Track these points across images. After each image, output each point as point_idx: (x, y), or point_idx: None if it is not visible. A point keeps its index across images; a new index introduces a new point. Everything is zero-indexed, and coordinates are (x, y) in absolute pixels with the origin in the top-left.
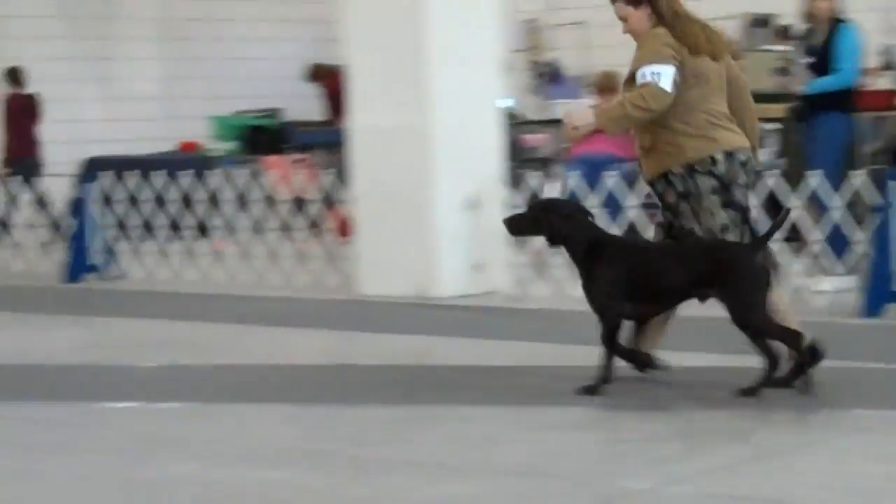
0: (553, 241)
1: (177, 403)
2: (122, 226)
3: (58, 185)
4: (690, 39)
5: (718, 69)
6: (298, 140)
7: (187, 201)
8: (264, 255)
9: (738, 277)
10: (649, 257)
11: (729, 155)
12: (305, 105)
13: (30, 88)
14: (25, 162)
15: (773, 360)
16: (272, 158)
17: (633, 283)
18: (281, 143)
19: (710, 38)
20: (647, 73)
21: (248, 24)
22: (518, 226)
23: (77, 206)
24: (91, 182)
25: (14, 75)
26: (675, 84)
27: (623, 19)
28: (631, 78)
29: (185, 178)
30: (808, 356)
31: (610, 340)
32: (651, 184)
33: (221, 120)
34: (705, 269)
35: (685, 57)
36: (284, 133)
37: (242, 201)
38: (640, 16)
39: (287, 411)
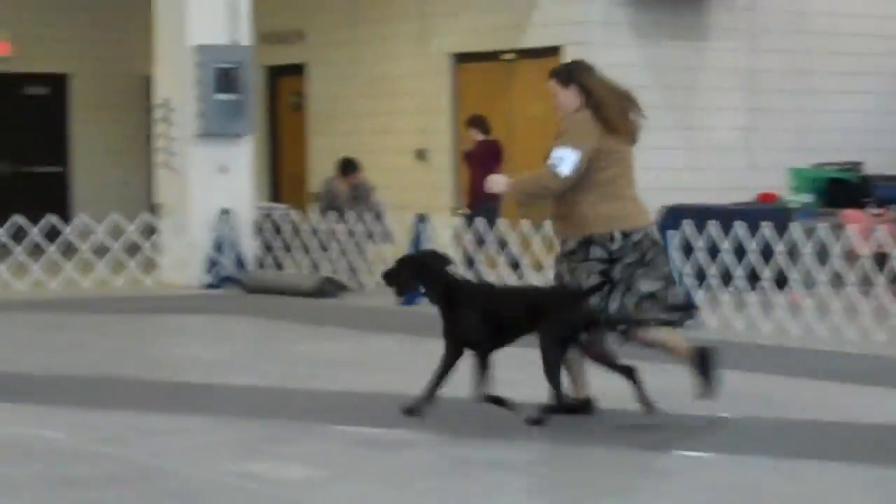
0: (408, 287)
1: (750, 456)
2: (700, 274)
3: None
4: (611, 122)
5: (630, 151)
6: (879, 194)
7: (766, 252)
8: (842, 310)
9: (553, 315)
10: (496, 299)
11: (626, 235)
12: (886, 158)
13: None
14: (486, 206)
15: (559, 392)
16: (852, 212)
17: (484, 320)
18: (861, 197)
19: (628, 124)
20: (554, 156)
21: (830, 77)
22: (387, 279)
23: None
24: (672, 229)
25: (482, 123)
26: (577, 169)
27: (553, 96)
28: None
29: (765, 229)
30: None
31: (444, 367)
32: (560, 239)
33: (801, 172)
34: (536, 309)
35: (603, 138)
36: (865, 186)
37: (821, 254)
38: (569, 94)
39: (872, 474)
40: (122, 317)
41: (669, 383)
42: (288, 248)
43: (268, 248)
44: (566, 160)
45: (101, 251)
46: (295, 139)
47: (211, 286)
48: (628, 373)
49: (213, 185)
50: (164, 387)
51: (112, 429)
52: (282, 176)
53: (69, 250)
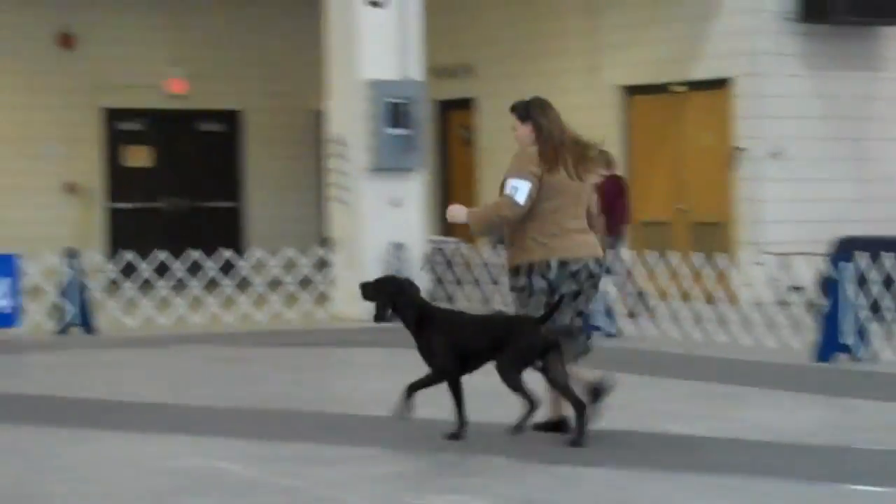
0: (385, 311)
1: None
2: (875, 307)
3: (809, 264)
4: (558, 161)
5: (577, 186)
6: None
7: None
8: None
9: (512, 342)
10: (463, 325)
11: (562, 264)
12: None
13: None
14: (610, 239)
15: (531, 403)
16: None
17: (452, 345)
18: None
19: (579, 162)
20: (509, 185)
21: None
22: (363, 294)
23: (830, 286)
24: (845, 262)
25: (606, 159)
26: (530, 197)
27: (513, 129)
28: (503, 183)
29: None
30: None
31: (423, 387)
32: (510, 270)
33: None
34: (497, 335)
35: (544, 174)
36: None
37: None
38: (525, 130)
39: None
40: (296, 350)
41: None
42: (459, 282)
43: (439, 281)
44: (520, 189)
45: (275, 285)
46: (464, 172)
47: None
48: (580, 408)
49: (385, 219)
50: (338, 418)
51: (288, 460)
52: None
53: (244, 284)
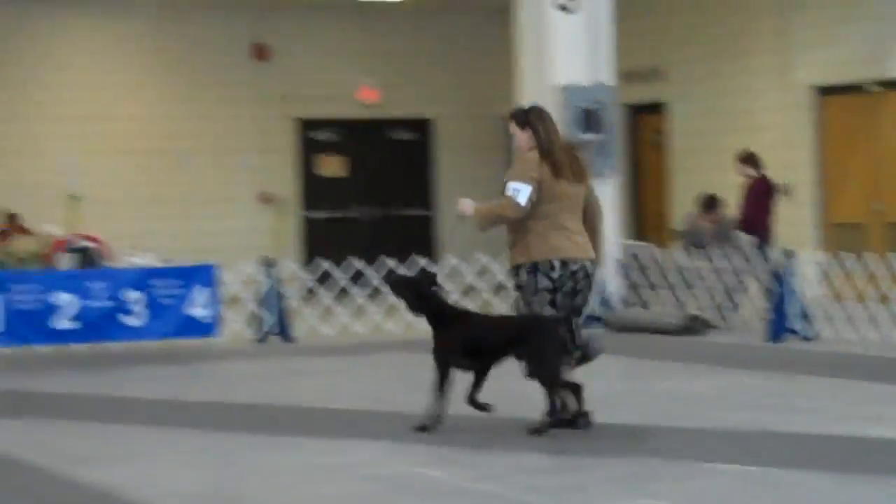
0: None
1: None
2: None
3: None
4: (556, 166)
5: (576, 191)
6: None
7: None
8: None
9: (537, 342)
10: (478, 324)
11: (563, 263)
12: None
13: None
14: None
15: (553, 406)
16: None
17: (465, 342)
18: None
19: (574, 166)
20: (510, 188)
21: None
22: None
23: None
24: None
25: (754, 160)
26: (530, 199)
27: (512, 135)
28: (505, 185)
29: None
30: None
31: (441, 387)
32: (510, 269)
33: None
34: (516, 334)
35: (547, 178)
36: None
37: None
38: (524, 136)
39: None
40: None
41: None
42: (653, 287)
43: (633, 286)
44: (522, 192)
45: (468, 291)
46: (656, 176)
47: None
48: (577, 390)
49: None
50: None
51: (489, 467)
52: (644, 214)
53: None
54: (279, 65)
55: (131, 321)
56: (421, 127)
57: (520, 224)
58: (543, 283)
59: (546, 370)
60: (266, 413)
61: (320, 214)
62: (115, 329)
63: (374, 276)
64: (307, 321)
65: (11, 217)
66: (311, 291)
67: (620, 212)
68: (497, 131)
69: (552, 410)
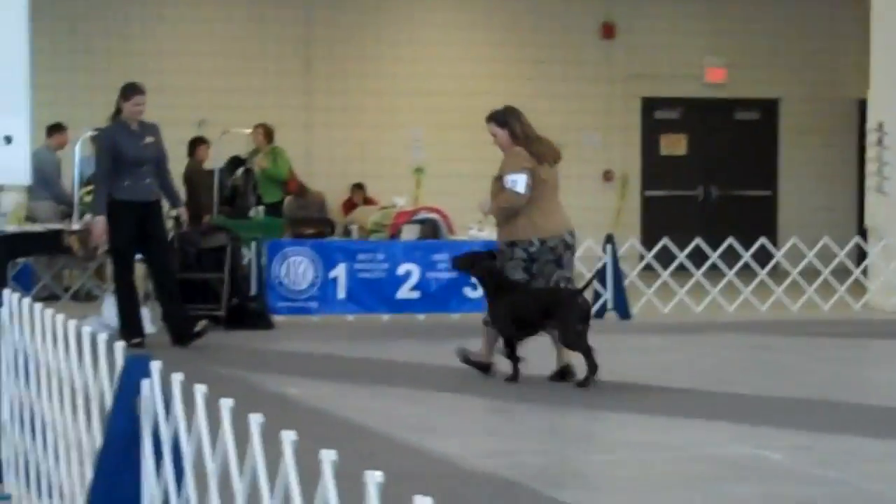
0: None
1: None
2: None
3: None
4: (538, 154)
5: (553, 173)
6: None
7: None
8: None
9: (564, 312)
10: (525, 296)
11: (542, 241)
12: None
13: None
14: None
15: (593, 365)
16: None
17: (515, 313)
18: None
19: (548, 151)
20: (508, 180)
21: None
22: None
23: None
24: None
25: None
26: (529, 186)
27: (493, 135)
28: (499, 178)
29: None
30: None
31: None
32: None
33: None
34: (546, 306)
35: (534, 166)
36: None
37: None
38: (504, 134)
39: None
40: (831, 340)
41: None
42: None
43: None
44: (519, 182)
45: (809, 274)
46: None
47: None
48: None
49: None
50: (878, 412)
51: (828, 452)
52: None
53: (778, 273)
54: (625, 43)
55: (472, 293)
56: (767, 107)
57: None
58: (519, 254)
59: (575, 338)
60: (602, 389)
61: (661, 193)
62: (456, 300)
63: (713, 256)
64: (645, 298)
65: (358, 187)
66: (649, 269)
67: None
68: (846, 115)
69: (592, 368)
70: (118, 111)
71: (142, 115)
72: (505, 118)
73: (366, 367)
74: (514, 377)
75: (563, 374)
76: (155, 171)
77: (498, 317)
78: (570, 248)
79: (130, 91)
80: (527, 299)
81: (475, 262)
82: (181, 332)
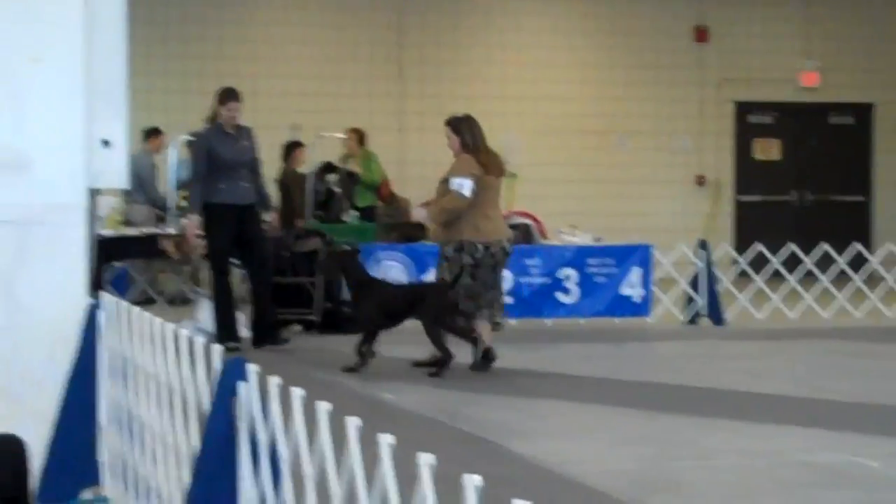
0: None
1: None
2: None
3: None
4: (485, 164)
5: (497, 183)
6: None
7: None
8: None
9: (428, 304)
10: (390, 291)
11: (486, 246)
12: None
13: None
14: None
15: (446, 354)
16: None
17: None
18: None
19: (494, 163)
20: (455, 183)
21: None
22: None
23: None
24: None
25: None
26: (473, 191)
27: (448, 138)
28: (445, 180)
29: None
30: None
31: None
32: (441, 245)
33: None
34: (414, 299)
35: (481, 175)
36: None
37: None
38: (456, 140)
39: None
40: None
41: None
42: None
43: None
44: (465, 186)
45: None
46: None
47: None
48: (474, 341)
49: None
50: None
51: None
52: None
53: (873, 279)
54: (718, 47)
55: (565, 298)
56: (861, 112)
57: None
58: (467, 259)
59: (433, 328)
60: (697, 395)
61: (754, 198)
62: (549, 305)
63: (807, 262)
64: (739, 304)
65: None
66: (743, 275)
67: None
68: None
69: (442, 358)
70: (214, 115)
71: (237, 121)
72: (459, 126)
73: (458, 372)
74: (357, 369)
75: (486, 357)
76: (250, 174)
77: (365, 310)
78: (507, 254)
79: (226, 96)
80: (395, 293)
81: (344, 263)
82: (263, 336)
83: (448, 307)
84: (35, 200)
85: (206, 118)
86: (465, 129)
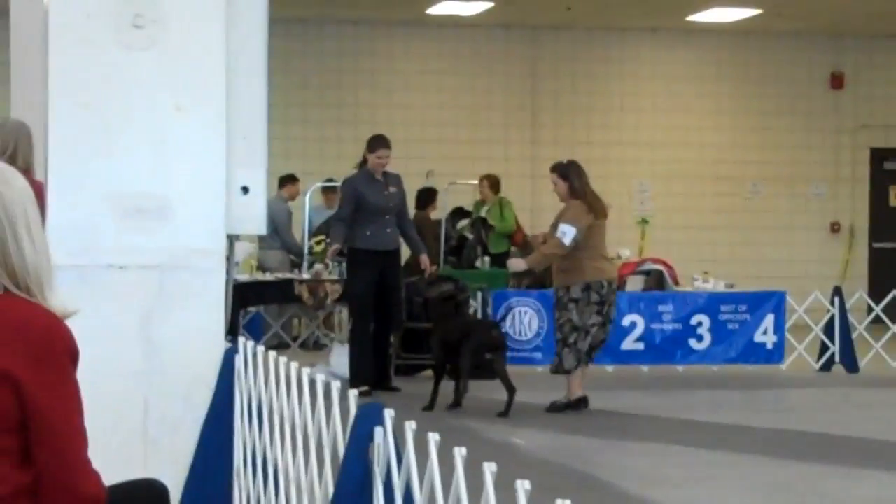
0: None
1: None
2: None
3: None
4: (594, 208)
5: (604, 225)
6: None
7: None
8: None
9: (472, 340)
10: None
11: (609, 283)
12: None
13: None
14: None
15: (462, 390)
16: None
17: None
18: None
19: (600, 207)
20: (560, 229)
21: None
22: None
23: None
24: None
25: None
26: (574, 240)
27: (554, 184)
28: (555, 224)
29: None
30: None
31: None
32: (556, 288)
33: None
34: (462, 335)
35: (591, 218)
36: None
37: None
38: (564, 186)
39: None
40: None
41: None
42: None
43: None
44: (567, 234)
45: None
46: None
47: None
48: (511, 391)
49: None
50: None
51: None
52: None
53: None
54: (854, 93)
55: (697, 345)
56: None
57: (572, 253)
58: (594, 298)
59: (463, 363)
60: (829, 443)
61: (890, 245)
62: (681, 352)
63: None
64: (873, 352)
65: None
66: (878, 321)
67: None
68: None
69: (457, 394)
70: (364, 161)
71: (385, 167)
72: (567, 172)
73: (590, 418)
74: (431, 408)
75: (579, 403)
76: (396, 220)
77: (433, 346)
78: (614, 293)
79: (376, 143)
80: (452, 326)
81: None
82: (378, 379)
83: (489, 344)
84: (176, 246)
85: (356, 164)
86: (573, 175)
